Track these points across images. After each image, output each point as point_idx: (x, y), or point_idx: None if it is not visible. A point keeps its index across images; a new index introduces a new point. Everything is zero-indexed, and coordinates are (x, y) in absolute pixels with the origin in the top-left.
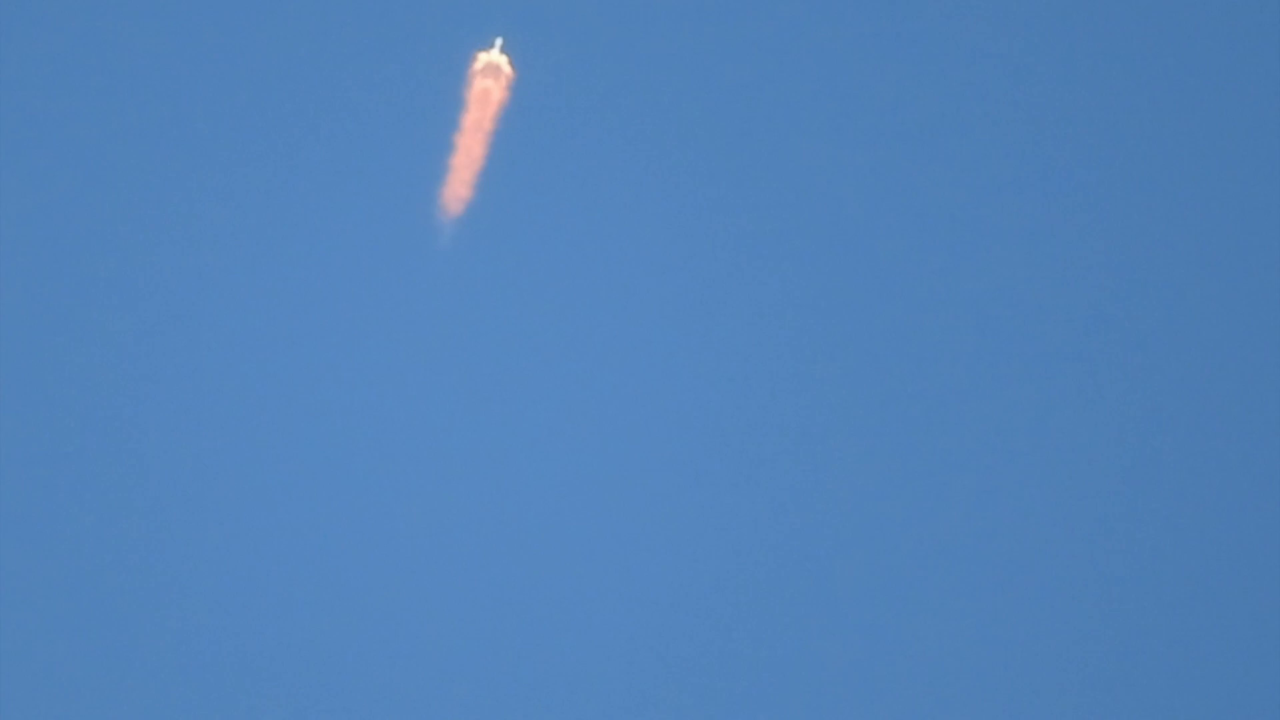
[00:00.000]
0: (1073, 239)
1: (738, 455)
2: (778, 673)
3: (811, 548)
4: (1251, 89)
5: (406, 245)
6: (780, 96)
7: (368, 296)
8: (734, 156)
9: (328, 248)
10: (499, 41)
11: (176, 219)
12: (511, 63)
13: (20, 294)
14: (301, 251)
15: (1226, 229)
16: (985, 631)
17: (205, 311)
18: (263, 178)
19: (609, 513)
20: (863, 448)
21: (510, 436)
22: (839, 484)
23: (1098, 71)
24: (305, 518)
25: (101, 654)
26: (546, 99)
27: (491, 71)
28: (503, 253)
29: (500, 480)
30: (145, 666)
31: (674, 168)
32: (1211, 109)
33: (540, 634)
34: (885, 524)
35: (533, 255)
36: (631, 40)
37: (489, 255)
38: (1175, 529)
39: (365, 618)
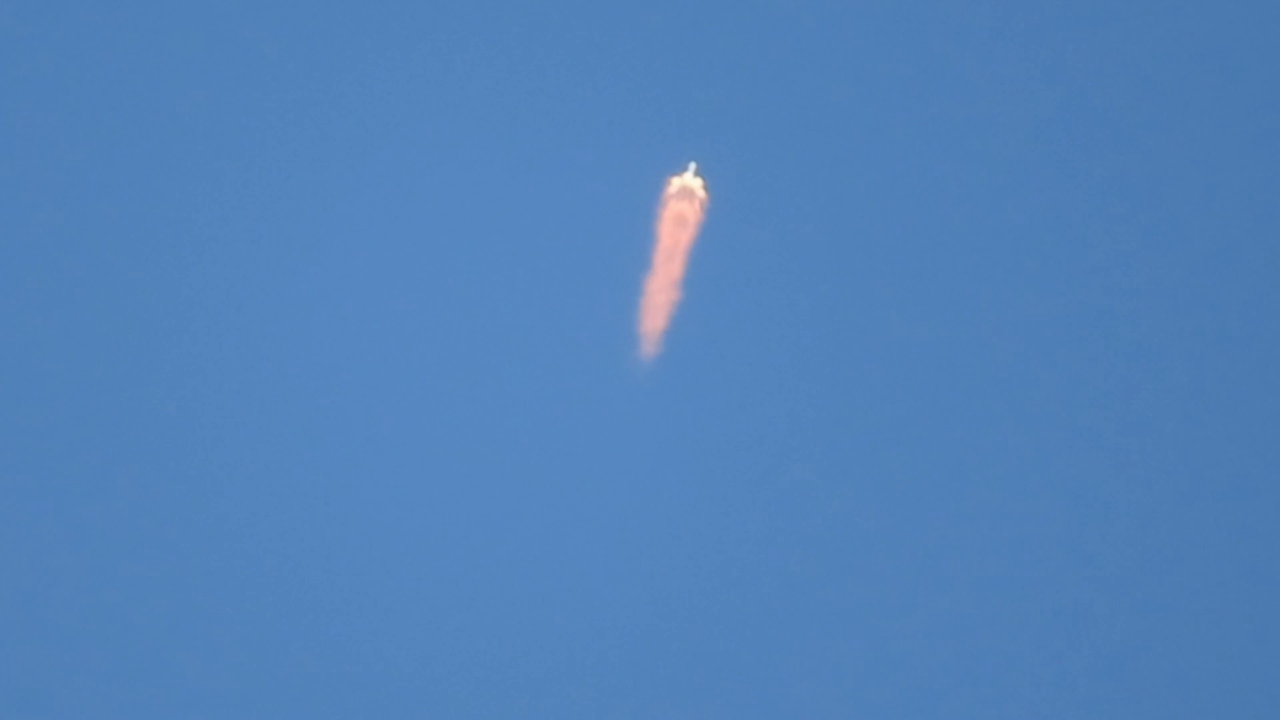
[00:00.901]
0: (1091, 252)
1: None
2: (778, 676)
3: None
4: (1252, 90)
5: (603, 372)
6: (986, 229)
7: (567, 421)
8: (937, 282)
9: (526, 372)
10: (693, 165)
11: (400, 380)
12: (706, 186)
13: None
14: (499, 379)
15: (1229, 232)
16: (983, 633)
17: (416, 433)
18: (466, 303)
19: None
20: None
21: (707, 558)
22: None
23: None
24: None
25: (111, 653)
26: (741, 222)
27: (686, 195)
28: (700, 378)
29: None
30: (154, 666)
31: (869, 289)
32: (1215, 110)
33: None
34: (891, 528)
35: (730, 381)
36: (825, 162)
37: (686, 381)
38: (1177, 531)
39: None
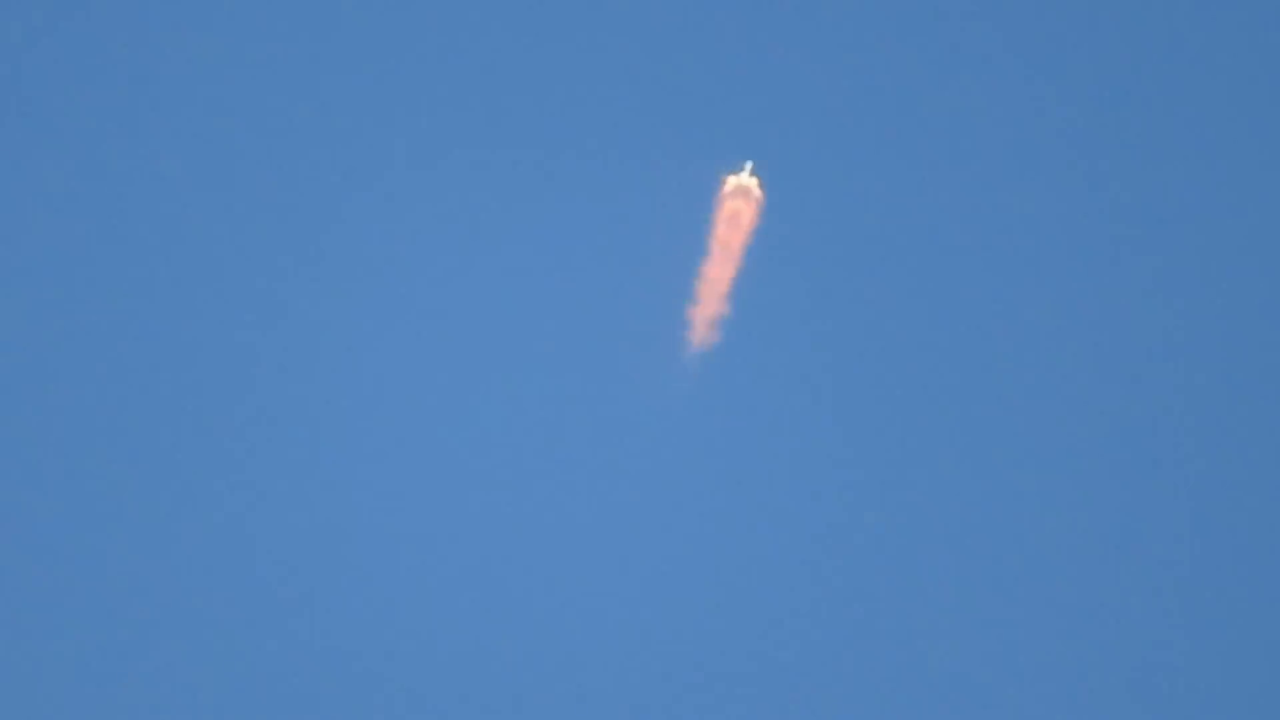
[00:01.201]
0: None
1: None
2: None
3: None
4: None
5: (655, 371)
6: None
7: (618, 420)
8: (995, 285)
9: (578, 371)
10: (749, 165)
11: (460, 383)
12: (761, 185)
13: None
14: (551, 379)
15: (1234, 234)
16: (986, 634)
17: (457, 436)
18: (518, 301)
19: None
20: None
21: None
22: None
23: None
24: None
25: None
26: (796, 222)
27: (741, 194)
28: (752, 378)
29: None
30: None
31: (925, 290)
32: (1217, 110)
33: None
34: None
35: (783, 382)
36: (883, 163)
37: (738, 381)
38: (1179, 533)
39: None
